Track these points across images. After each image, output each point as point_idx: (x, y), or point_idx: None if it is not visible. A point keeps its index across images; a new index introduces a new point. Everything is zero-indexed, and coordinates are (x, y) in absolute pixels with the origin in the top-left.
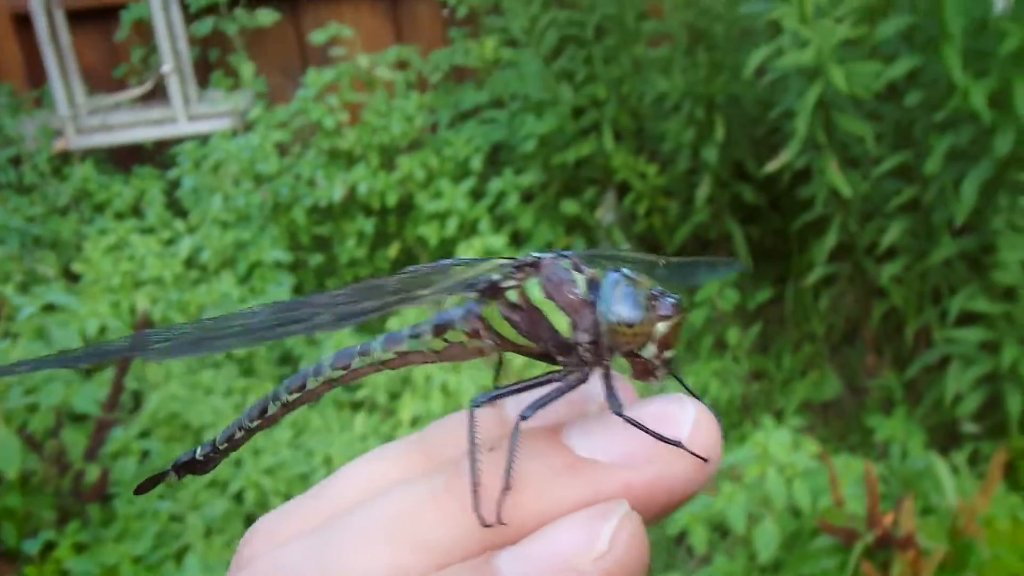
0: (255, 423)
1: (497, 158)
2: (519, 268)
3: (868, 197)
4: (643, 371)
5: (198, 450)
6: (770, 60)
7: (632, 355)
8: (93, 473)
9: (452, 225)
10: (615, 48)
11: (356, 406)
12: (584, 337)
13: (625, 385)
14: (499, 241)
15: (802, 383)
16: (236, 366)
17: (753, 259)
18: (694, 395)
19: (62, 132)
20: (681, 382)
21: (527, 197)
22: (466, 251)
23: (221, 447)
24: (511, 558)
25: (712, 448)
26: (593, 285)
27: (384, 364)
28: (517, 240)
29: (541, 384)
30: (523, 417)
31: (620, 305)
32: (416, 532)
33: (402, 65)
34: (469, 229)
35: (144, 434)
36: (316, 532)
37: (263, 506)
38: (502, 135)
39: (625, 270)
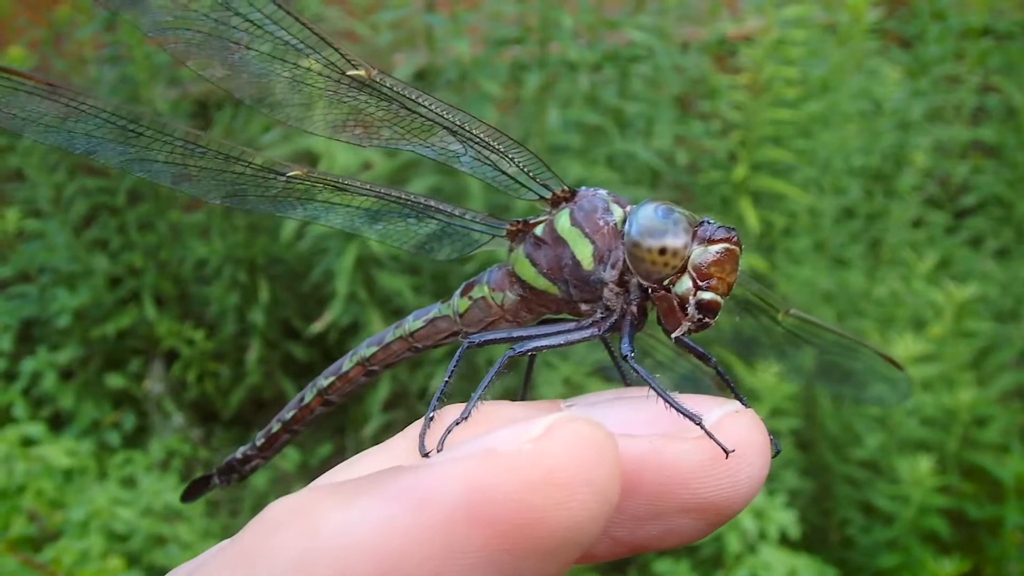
0: (291, 413)
1: (29, 335)
2: (554, 203)
3: None
4: (670, 312)
5: (239, 450)
6: (305, 225)
7: (664, 291)
8: None
9: None
10: (150, 215)
11: None
12: (611, 274)
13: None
14: (37, 428)
15: None
16: None
17: None
18: (744, 404)
19: None
20: (729, 384)
21: (66, 375)
22: None
23: (259, 443)
24: (441, 454)
25: (744, 445)
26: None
27: (413, 335)
28: (58, 422)
29: (550, 334)
30: (512, 353)
31: (648, 221)
32: (363, 461)
33: None
34: (3, 416)
35: None
36: None
37: None
38: (33, 311)
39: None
